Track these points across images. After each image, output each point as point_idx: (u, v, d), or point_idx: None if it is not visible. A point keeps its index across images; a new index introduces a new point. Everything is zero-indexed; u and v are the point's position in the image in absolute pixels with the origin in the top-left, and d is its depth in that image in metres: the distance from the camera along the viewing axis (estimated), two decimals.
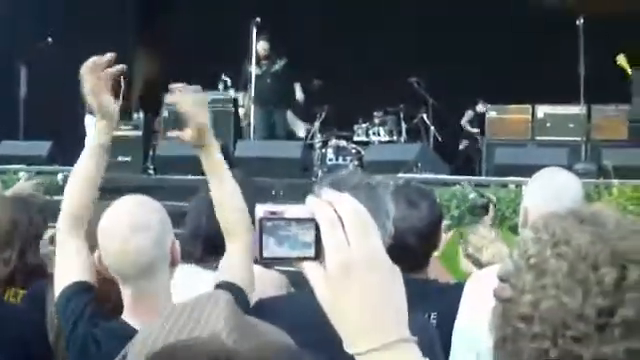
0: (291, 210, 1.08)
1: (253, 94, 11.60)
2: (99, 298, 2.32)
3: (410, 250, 2.74)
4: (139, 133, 12.61)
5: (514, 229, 7.16)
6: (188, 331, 1.22)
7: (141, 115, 13.63)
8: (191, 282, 2.56)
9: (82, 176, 2.46)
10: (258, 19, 11.26)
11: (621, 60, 10.76)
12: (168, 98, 11.72)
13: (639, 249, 1.13)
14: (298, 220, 1.07)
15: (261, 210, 1.08)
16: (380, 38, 13.69)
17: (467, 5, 13.53)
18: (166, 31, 16.38)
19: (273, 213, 1.07)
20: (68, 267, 2.37)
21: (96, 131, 2.51)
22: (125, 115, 13.81)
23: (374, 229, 1.08)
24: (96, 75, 2.44)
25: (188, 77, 11.76)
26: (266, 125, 11.88)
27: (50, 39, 12.91)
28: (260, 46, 11.80)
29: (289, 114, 12.43)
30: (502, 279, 1.20)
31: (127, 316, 2.23)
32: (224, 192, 2.51)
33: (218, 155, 2.55)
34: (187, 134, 2.54)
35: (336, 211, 1.06)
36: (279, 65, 11.88)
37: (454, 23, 13.40)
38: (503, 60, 12.79)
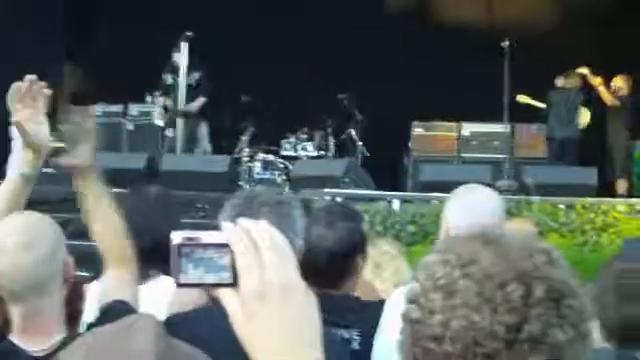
0: (207, 236, 1.09)
1: (179, 105, 11.55)
2: None
3: (320, 270, 2.71)
4: (63, 144, 12.39)
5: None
6: None
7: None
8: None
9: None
10: (189, 33, 11.22)
11: (522, 99, 11.18)
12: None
13: (541, 267, 1.16)
14: (214, 246, 1.08)
15: (178, 237, 1.09)
16: (310, 53, 13.74)
17: (395, 23, 13.71)
18: (95, 44, 16.17)
19: (190, 239, 1.08)
20: None
21: (22, 160, 2.38)
22: (54, 128, 13.60)
23: (290, 255, 1.10)
24: (22, 101, 2.33)
25: (117, 89, 11.71)
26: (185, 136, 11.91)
27: None
28: (177, 58, 11.82)
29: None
30: (410, 300, 1.21)
31: (16, 336, 2.13)
32: (109, 222, 2.42)
33: (99, 182, 2.45)
34: (70, 161, 2.44)
35: (253, 238, 1.08)
36: (196, 77, 11.88)
37: (384, 41, 13.52)
38: (430, 78, 12.95)
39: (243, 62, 14.25)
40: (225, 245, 1.08)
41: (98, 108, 14.14)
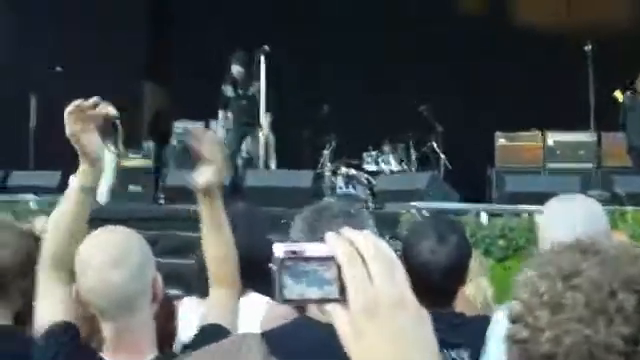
0: (311, 248, 1.04)
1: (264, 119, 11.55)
2: (85, 334, 2.25)
3: (437, 285, 2.67)
4: (149, 163, 12.60)
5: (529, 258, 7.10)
6: None
7: (151, 145, 13.66)
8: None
9: (62, 221, 2.38)
10: (266, 47, 11.25)
11: (618, 95, 10.78)
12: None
13: None
14: (318, 259, 1.03)
15: (280, 250, 1.04)
16: (391, 65, 13.70)
17: (474, 35, 13.56)
18: (175, 61, 16.45)
19: (293, 252, 1.03)
20: (45, 307, 2.30)
21: (78, 173, 2.42)
22: (135, 145, 13.87)
23: (398, 266, 1.03)
24: (79, 117, 2.38)
25: (195, 106, 11.88)
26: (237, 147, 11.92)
27: (59, 68, 12.96)
28: (235, 70, 11.84)
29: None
30: (514, 320, 1.17)
31: (107, 352, 2.15)
32: (221, 246, 2.45)
33: (220, 203, 2.47)
34: (206, 183, 2.45)
35: (357, 248, 1.01)
36: (254, 88, 11.86)
37: (461, 53, 13.41)
38: (512, 87, 12.78)
39: (323, 75, 14.31)
40: (330, 258, 1.02)
41: (179, 125, 14.38)
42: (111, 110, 2.44)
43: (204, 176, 2.44)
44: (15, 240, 2.96)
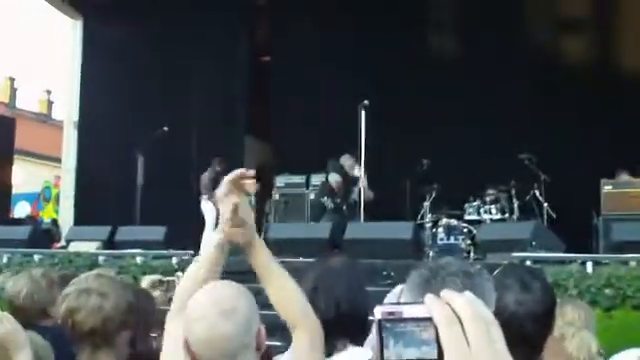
0: (408, 310, 1.06)
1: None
2: None
3: (528, 336, 2.62)
4: None
5: (638, 308, 6.86)
6: None
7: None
8: None
9: (196, 274, 2.51)
10: (366, 102, 11.33)
11: None
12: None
13: None
14: (416, 320, 1.05)
15: (379, 311, 1.06)
16: (487, 114, 13.61)
17: (574, 78, 13.39)
18: (274, 117, 16.75)
19: (391, 313, 1.06)
20: (170, 353, 2.40)
21: (218, 232, 2.55)
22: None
23: (498, 331, 1.03)
24: (235, 185, 2.49)
25: (293, 160, 12.10)
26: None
27: (166, 128, 13.36)
28: (333, 179, 12.09)
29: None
30: None
31: None
32: (281, 291, 2.50)
33: (266, 252, 2.57)
34: (231, 235, 2.55)
35: (455, 310, 1.02)
36: (354, 195, 11.97)
37: (562, 98, 13.24)
38: (616, 133, 12.51)
39: (422, 126, 14.31)
40: (427, 319, 1.03)
41: (281, 179, 14.59)
42: (252, 187, 2.54)
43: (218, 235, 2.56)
44: (116, 291, 3.07)
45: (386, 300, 2.61)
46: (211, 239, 2.56)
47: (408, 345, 1.04)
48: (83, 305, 3.00)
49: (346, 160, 12.29)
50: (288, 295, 2.51)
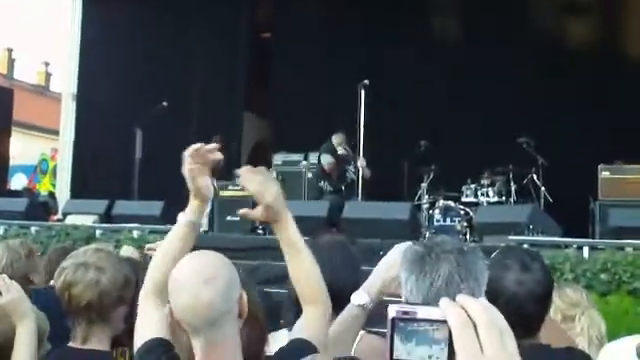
0: (423, 310, 1.07)
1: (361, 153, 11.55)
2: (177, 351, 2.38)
3: (528, 316, 2.64)
4: (248, 193, 12.76)
5: (633, 293, 6.89)
6: None
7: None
8: None
9: (169, 252, 2.58)
10: (366, 81, 11.30)
11: None
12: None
13: None
14: (430, 321, 1.06)
15: (393, 310, 1.08)
16: (487, 97, 13.60)
17: (574, 62, 13.37)
18: (274, 94, 16.71)
19: (405, 313, 1.07)
20: (144, 327, 2.48)
21: (189, 209, 2.65)
22: (234, 176, 14.12)
23: (511, 338, 1.04)
24: (197, 160, 2.60)
25: (292, 139, 12.06)
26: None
27: (165, 103, 13.32)
28: (325, 160, 12.04)
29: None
30: None
31: None
32: (301, 267, 2.61)
33: (292, 229, 2.64)
34: (257, 212, 2.66)
35: (470, 315, 1.03)
36: (350, 175, 11.98)
37: (564, 85, 13.22)
38: (615, 119, 12.51)
39: (421, 108, 14.31)
40: (441, 321, 1.05)
41: (279, 157, 14.58)
42: (219, 155, 2.65)
43: (252, 211, 2.68)
44: (114, 266, 3.08)
45: (388, 256, 2.65)
46: (180, 217, 2.63)
47: (420, 344, 1.05)
48: (80, 279, 3.02)
49: (335, 138, 12.28)
50: (310, 272, 2.61)
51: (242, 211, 2.74)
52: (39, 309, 3.24)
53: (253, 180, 2.66)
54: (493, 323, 1.02)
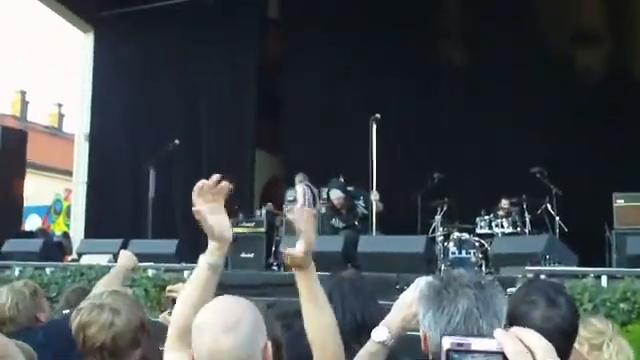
0: (478, 342, 1.07)
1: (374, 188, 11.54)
2: None
3: (557, 352, 2.59)
4: (262, 230, 12.80)
5: None
6: None
7: (264, 212, 13.88)
8: None
9: (190, 297, 2.51)
10: (378, 115, 11.31)
11: None
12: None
13: None
14: (485, 353, 1.06)
15: (448, 342, 1.08)
16: (503, 128, 13.59)
17: (586, 90, 13.35)
18: (285, 130, 16.75)
19: (460, 345, 1.07)
20: None
21: (208, 250, 2.56)
22: (248, 212, 14.12)
23: None
24: (207, 198, 2.52)
25: (306, 174, 11.98)
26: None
27: (177, 141, 13.36)
28: (335, 195, 12.20)
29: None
30: None
31: None
32: (321, 322, 2.56)
33: (317, 280, 2.60)
34: (298, 253, 2.58)
35: (527, 346, 1.04)
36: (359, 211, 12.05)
37: (573, 110, 13.20)
38: (629, 147, 12.47)
39: (434, 141, 14.31)
40: (497, 352, 1.05)
41: (291, 193, 14.57)
42: (226, 184, 2.57)
43: (296, 249, 2.58)
44: (129, 309, 3.07)
45: (409, 292, 2.62)
46: (200, 261, 2.55)
47: None
48: (95, 320, 3.01)
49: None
50: (323, 327, 2.56)
51: (286, 250, 2.63)
52: (49, 339, 3.23)
53: (310, 223, 2.62)
54: (550, 352, 1.04)
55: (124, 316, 3.02)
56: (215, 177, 2.55)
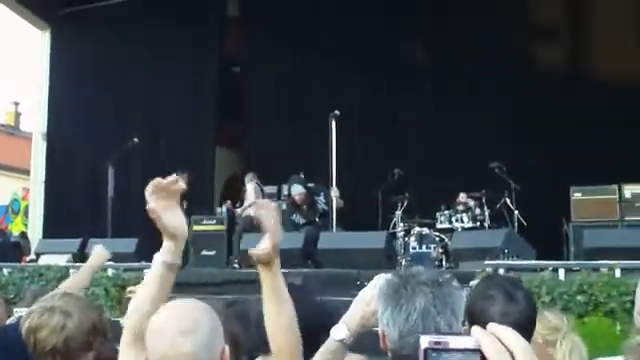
0: (455, 340, 1.08)
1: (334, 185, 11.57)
2: None
3: None
4: (223, 227, 12.76)
5: (610, 314, 6.90)
6: None
7: (224, 209, 13.84)
8: None
9: (147, 296, 2.47)
10: (337, 112, 11.32)
11: None
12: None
13: None
14: (463, 351, 1.06)
15: (426, 340, 1.08)
16: (457, 124, 13.69)
17: (543, 86, 13.48)
18: (244, 127, 16.70)
19: (437, 343, 1.08)
20: None
21: (163, 249, 2.51)
22: (208, 210, 14.07)
23: None
24: (160, 196, 2.47)
25: (265, 171, 12.03)
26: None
27: (136, 139, 13.27)
28: (296, 190, 12.19)
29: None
30: None
31: None
32: (282, 312, 2.56)
33: (281, 276, 2.59)
34: (264, 250, 2.57)
35: (505, 344, 1.04)
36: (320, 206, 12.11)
37: (532, 105, 13.33)
38: (584, 139, 12.61)
39: (393, 136, 14.36)
40: (474, 350, 1.06)
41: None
42: (181, 185, 2.52)
43: (263, 246, 2.57)
44: (81, 311, 3.02)
45: (368, 289, 2.63)
46: (156, 259, 2.51)
47: None
48: (45, 323, 2.95)
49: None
50: (284, 324, 2.55)
51: (252, 251, 2.60)
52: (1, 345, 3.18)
53: (271, 216, 2.61)
54: (529, 352, 1.04)
55: (76, 319, 2.97)
56: (172, 177, 2.51)
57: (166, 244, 2.51)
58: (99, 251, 4.64)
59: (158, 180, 2.49)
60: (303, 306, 2.79)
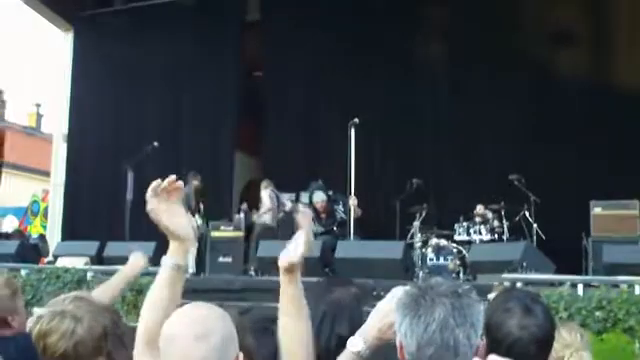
0: None
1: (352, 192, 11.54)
2: None
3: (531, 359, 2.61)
4: (240, 234, 12.75)
5: (628, 331, 6.83)
6: None
7: (242, 216, 13.84)
8: None
9: (157, 300, 2.47)
10: (356, 120, 11.31)
11: None
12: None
13: None
14: None
15: None
16: (478, 135, 13.63)
17: (564, 97, 13.40)
18: (264, 133, 16.71)
19: None
20: None
21: (170, 251, 2.52)
22: (226, 216, 14.08)
23: None
24: (161, 198, 2.49)
25: (282, 178, 12.04)
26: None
27: (156, 143, 13.30)
28: (318, 198, 12.14)
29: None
30: None
31: None
32: (297, 330, 2.53)
33: (300, 286, 2.57)
34: (296, 258, 2.57)
35: None
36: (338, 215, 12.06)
37: (553, 117, 13.25)
38: (604, 155, 12.53)
39: (411, 146, 14.32)
40: None
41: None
42: (179, 184, 2.54)
43: (291, 255, 2.56)
44: (92, 315, 2.99)
45: (385, 302, 2.60)
46: (163, 262, 2.50)
47: None
48: (55, 328, 2.91)
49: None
50: (298, 336, 2.53)
51: (285, 258, 2.59)
52: (12, 357, 3.14)
53: (308, 225, 2.64)
54: None
55: (86, 324, 2.94)
56: (170, 178, 2.53)
57: (172, 245, 2.52)
58: (135, 260, 4.41)
59: (158, 181, 2.50)
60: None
